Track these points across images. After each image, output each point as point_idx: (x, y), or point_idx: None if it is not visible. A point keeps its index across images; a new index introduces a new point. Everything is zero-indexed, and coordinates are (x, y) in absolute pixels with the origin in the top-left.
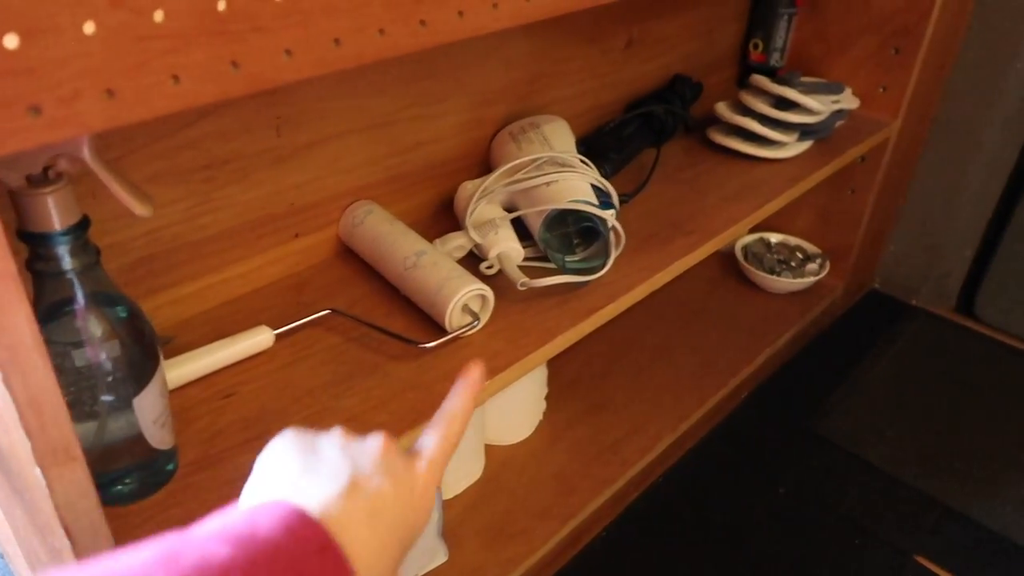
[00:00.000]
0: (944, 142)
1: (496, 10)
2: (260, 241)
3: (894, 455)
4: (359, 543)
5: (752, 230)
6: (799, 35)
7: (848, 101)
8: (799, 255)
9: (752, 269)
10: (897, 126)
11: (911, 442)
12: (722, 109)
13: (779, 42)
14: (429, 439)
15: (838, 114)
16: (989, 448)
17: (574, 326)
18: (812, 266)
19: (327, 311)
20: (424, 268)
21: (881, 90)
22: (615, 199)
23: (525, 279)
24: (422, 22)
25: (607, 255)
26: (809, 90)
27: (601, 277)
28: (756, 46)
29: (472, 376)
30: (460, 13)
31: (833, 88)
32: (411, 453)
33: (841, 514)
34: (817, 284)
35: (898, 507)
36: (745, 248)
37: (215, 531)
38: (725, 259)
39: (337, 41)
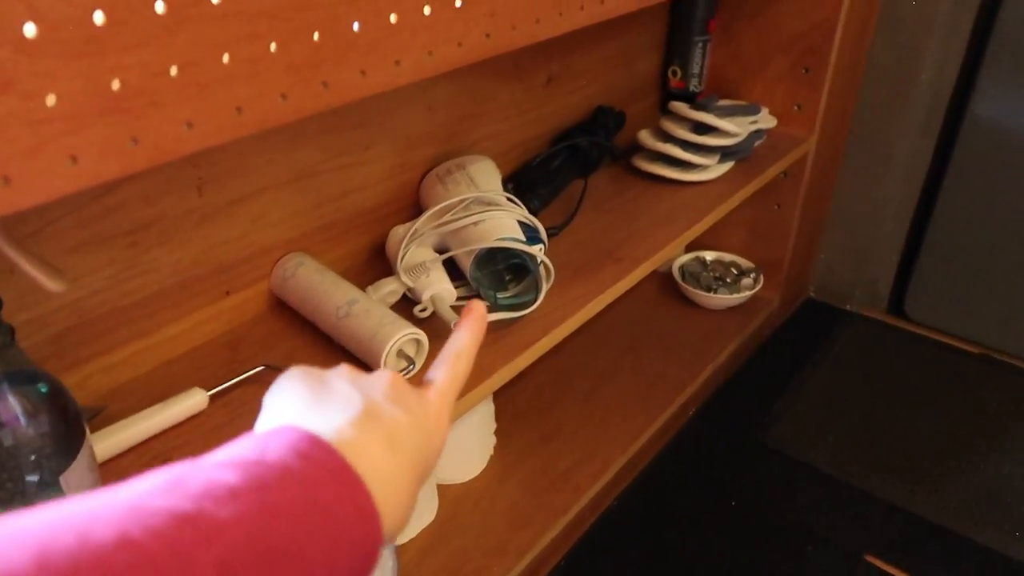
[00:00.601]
0: (861, 153)
1: (398, 67)
2: (190, 301)
3: (838, 458)
4: (375, 469)
5: (687, 249)
6: (715, 60)
7: (765, 121)
8: (734, 271)
9: (690, 288)
10: (814, 141)
11: (853, 444)
12: (644, 137)
13: (696, 68)
14: (437, 372)
15: (756, 134)
16: (925, 442)
17: (510, 362)
18: (747, 280)
19: (261, 367)
20: (357, 316)
21: (796, 108)
22: (543, 233)
23: (459, 319)
24: (324, 84)
25: (538, 289)
26: (726, 113)
27: (534, 311)
28: (675, 73)
29: (475, 312)
30: (362, 72)
31: (750, 109)
32: (421, 385)
33: (792, 522)
34: (754, 298)
35: (846, 509)
36: (682, 267)
37: (222, 459)
38: (664, 279)
39: (239, 109)
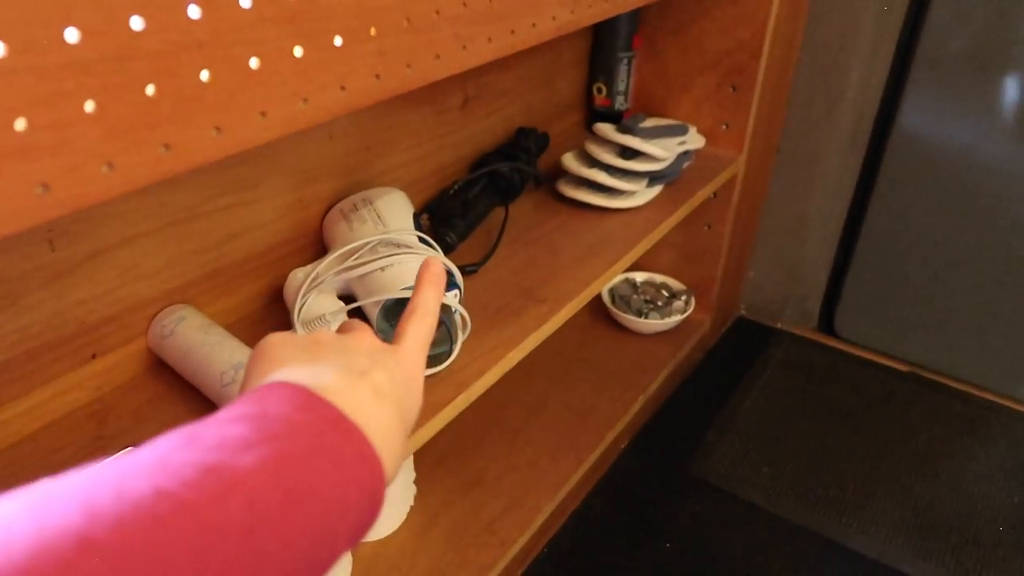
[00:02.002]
0: (790, 171)
1: (265, 119)
2: (45, 370)
3: (773, 492)
4: (368, 417)
5: None
6: (641, 77)
7: (694, 141)
8: (665, 293)
9: (620, 313)
10: (743, 161)
11: (788, 475)
12: (569, 161)
13: (621, 85)
14: (405, 330)
15: (685, 155)
16: (858, 469)
17: (422, 425)
18: (678, 303)
19: (127, 449)
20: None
21: (724, 127)
22: (458, 277)
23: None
24: (166, 146)
25: (452, 341)
26: (653, 135)
27: (449, 365)
28: (600, 90)
29: (431, 269)
30: (217, 129)
31: (678, 130)
32: (393, 342)
33: (729, 563)
34: (685, 320)
35: (782, 547)
36: (612, 291)
37: (228, 416)
38: (593, 303)
39: (45, 186)
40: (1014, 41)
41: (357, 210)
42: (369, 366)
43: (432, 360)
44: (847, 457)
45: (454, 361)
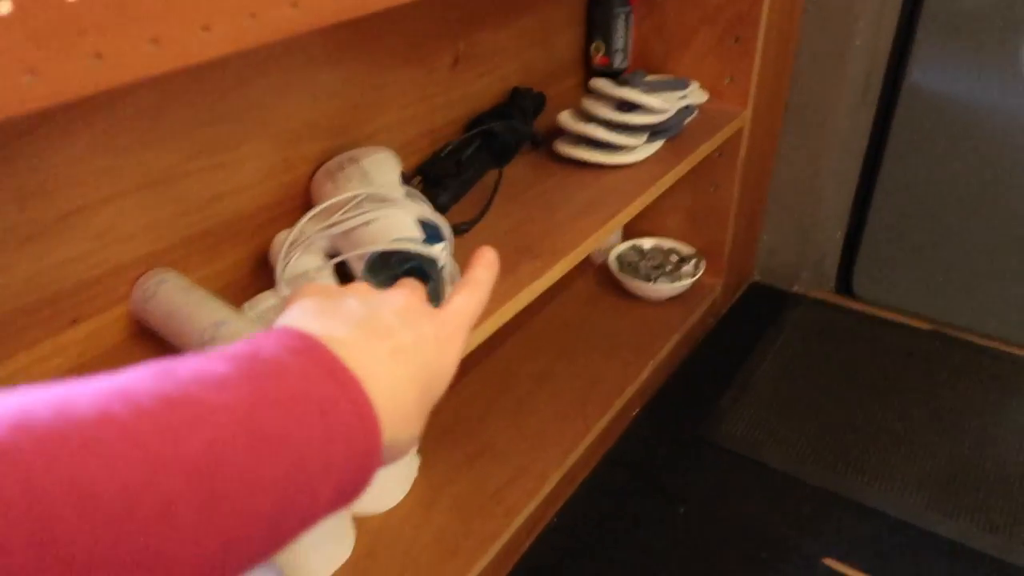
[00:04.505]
0: (799, 127)
1: (208, 34)
2: (23, 335)
3: (790, 454)
4: (375, 375)
5: (624, 237)
6: (640, 33)
7: (695, 96)
8: (674, 258)
9: (628, 279)
10: (748, 115)
11: (805, 437)
12: (565, 118)
13: (620, 43)
14: (455, 296)
15: (686, 110)
16: (878, 430)
17: None
18: (688, 267)
19: None
20: (225, 340)
21: (727, 81)
22: (446, 232)
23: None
24: (98, 55)
25: (439, 297)
26: (653, 89)
27: None
28: (598, 49)
29: (486, 254)
30: (154, 41)
31: (678, 84)
32: (439, 307)
33: (745, 526)
34: (695, 285)
35: (800, 509)
36: (619, 258)
37: (215, 354)
38: (600, 271)
39: (33, 71)
40: None
41: (343, 169)
42: (395, 325)
43: None
44: (869, 418)
45: None
